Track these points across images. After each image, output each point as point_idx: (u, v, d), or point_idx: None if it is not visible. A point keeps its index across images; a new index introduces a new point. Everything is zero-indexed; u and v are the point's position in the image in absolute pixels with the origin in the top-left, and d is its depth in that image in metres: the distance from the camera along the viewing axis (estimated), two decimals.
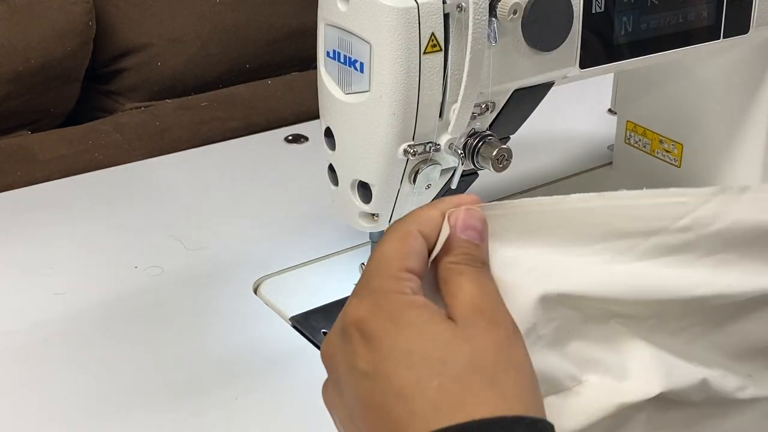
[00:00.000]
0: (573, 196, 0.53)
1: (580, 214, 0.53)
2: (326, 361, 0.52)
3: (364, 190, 0.77)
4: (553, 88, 0.81)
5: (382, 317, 0.48)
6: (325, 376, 0.52)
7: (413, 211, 0.53)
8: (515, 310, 0.50)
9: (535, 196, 0.52)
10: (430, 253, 0.51)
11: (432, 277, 0.51)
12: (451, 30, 0.71)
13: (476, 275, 0.50)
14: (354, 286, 0.51)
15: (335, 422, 0.52)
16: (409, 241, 0.50)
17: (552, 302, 0.52)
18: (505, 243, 0.52)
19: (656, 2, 0.83)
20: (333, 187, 0.80)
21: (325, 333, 0.86)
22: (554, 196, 0.53)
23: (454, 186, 0.77)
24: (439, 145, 0.74)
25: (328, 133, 0.78)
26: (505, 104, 0.78)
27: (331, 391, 0.51)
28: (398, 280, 0.49)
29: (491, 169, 0.75)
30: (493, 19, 0.71)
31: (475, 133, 0.75)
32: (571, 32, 0.77)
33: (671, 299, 0.54)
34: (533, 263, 0.52)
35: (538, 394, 0.48)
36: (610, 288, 0.53)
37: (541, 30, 0.75)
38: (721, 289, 0.55)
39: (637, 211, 0.53)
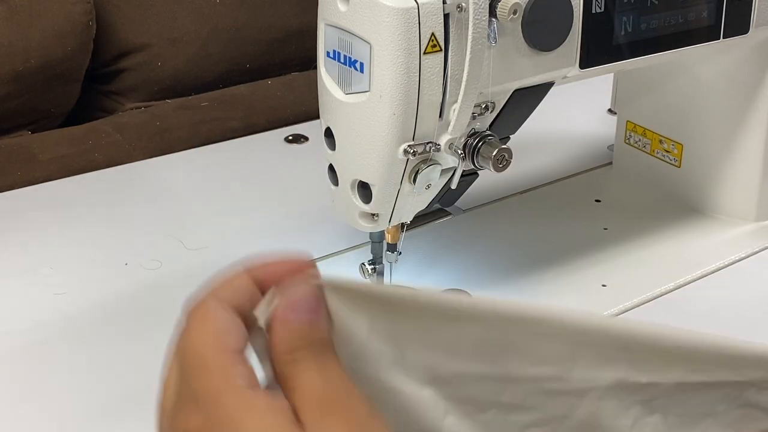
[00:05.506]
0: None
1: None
2: None
3: (364, 190, 0.77)
4: (553, 88, 0.81)
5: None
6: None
7: (213, 282, 0.44)
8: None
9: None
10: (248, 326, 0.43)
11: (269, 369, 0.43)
12: (451, 30, 0.71)
13: (315, 361, 0.41)
14: (165, 386, 0.43)
15: None
16: (216, 319, 0.43)
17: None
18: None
19: (656, 2, 0.83)
20: (333, 187, 0.80)
21: None
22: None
23: (454, 186, 0.77)
24: (439, 145, 0.74)
25: (328, 133, 0.78)
26: (505, 104, 0.78)
27: None
28: (224, 369, 0.40)
29: (491, 169, 0.75)
30: (493, 19, 0.71)
31: (475, 133, 0.75)
32: (571, 32, 0.77)
33: None
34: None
35: None
36: None
37: (541, 30, 0.75)
38: None
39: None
